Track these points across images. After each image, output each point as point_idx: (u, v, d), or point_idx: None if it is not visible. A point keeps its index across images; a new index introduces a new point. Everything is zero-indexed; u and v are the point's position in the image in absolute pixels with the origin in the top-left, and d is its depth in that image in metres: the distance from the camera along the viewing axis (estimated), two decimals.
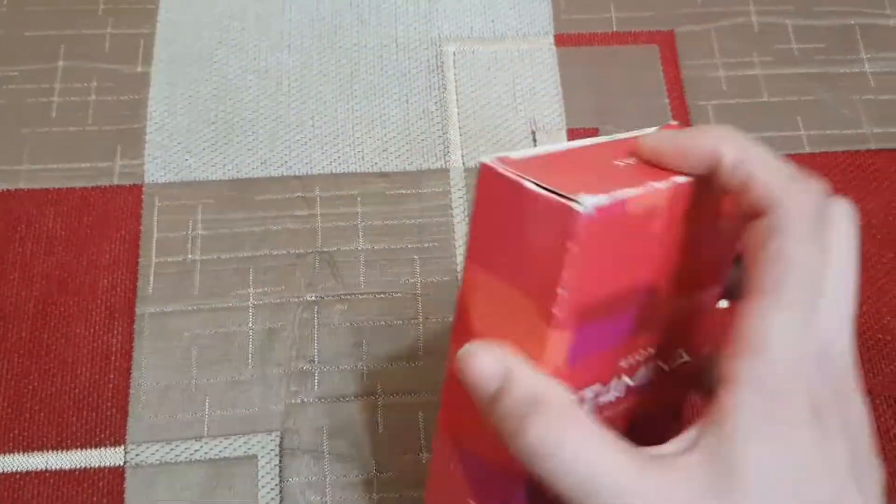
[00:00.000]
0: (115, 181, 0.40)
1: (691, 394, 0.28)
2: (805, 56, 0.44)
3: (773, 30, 0.45)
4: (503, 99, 0.43)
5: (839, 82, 0.43)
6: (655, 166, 0.24)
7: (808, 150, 0.42)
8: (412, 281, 0.38)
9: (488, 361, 0.22)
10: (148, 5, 0.44)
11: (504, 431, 0.21)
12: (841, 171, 0.41)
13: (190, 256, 0.39)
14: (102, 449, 0.35)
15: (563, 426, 0.20)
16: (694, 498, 0.19)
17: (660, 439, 0.21)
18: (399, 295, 0.38)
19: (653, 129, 0.27)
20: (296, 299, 0.38)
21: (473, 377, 0.22)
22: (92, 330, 0.37)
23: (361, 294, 0.38)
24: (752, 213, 0.22)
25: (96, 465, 0.35)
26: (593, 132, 0.42)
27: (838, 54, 0.44)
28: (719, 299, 0.27)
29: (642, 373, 0.25)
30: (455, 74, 0.43)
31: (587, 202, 0.20)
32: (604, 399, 0.24)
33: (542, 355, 0.22)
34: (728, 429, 0.19)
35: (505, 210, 0.22)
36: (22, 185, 0.40)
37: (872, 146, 0.42)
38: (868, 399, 0.25)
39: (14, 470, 0.34)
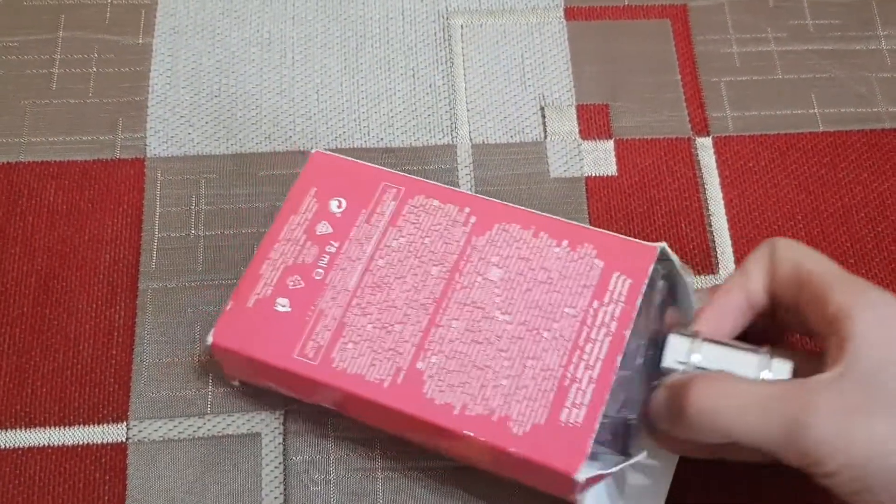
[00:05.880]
0: (117, 154, 0.39)
1: None
2: (820, 32, 0.43)
3: (788, 4, 0.44)
4: (511, 74, 0.42)
5: (855, 59, 0.43)
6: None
7: (822, 128, 0.41)
8: None
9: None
10: None
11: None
12: (855, 150, 0.40)
13: (193, 232, 0.38)
14: (105, 425, 0.35)
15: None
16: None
17: None
18: None
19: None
20: None
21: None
22: (94, 305, 0.37)
23: None
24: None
25: (99, 442, 0.34)
26: (604, 108, 0.41)
27: (854, 30, 0.43)
28: None
29: None
30: (462, 48, 0.42)
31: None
32: None
33: None
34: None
35: None
36: (22, 157, 0.39)
37: (888, 125, 0.41)
38: None
39: (16, 446, 0.34)
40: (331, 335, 0.31)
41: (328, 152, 0.35)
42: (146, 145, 0.40)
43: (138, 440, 0.34)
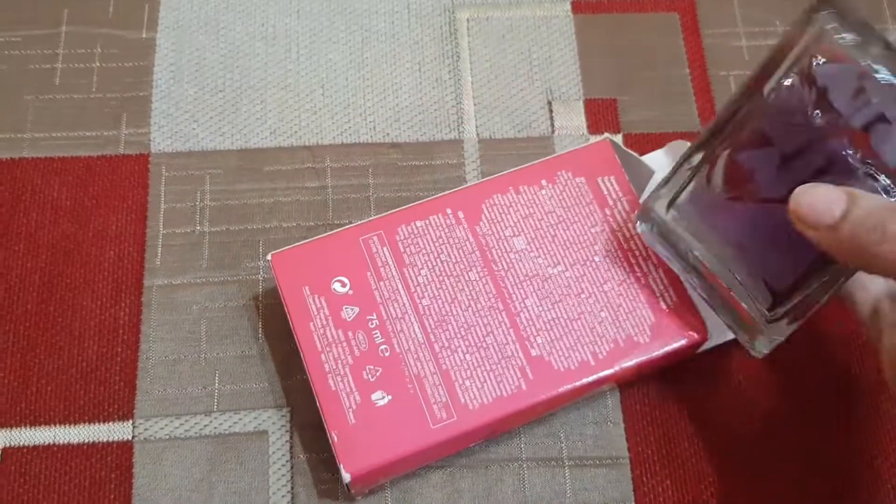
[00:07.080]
0: (122, 150, 0.39)
1: None
2: None
3: None
4: (518, 68, 0.42)
5: None
6: None
7: None
8: None
9: (827, 191, 0.25)
10: None
11: (859, 241, 0.24)
12: None
13: (198, 228, 0.38)
14: (111, 423, 0.34)
15: None
16: None
17: None
18: None
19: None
20: None
21: (816, 206, 0.25)
22: (99, 302, 0.36)
23: None
24: None
25: (104, 440, 0.34)
26: (612, 102, 0.41)
27: None
28: None
29: None
30: (469, 42, 0.42)
31: None
32: None
33: None
34: None
35: None
36: (26, 153, 0.39)
37: None
38: None
39: (21, 444, 0.34)
40: (444, 388, 0.31)
41: (282, 249, 0.33)
42: (150, 141, 0.39)
43: (144, 438, 0.34)
